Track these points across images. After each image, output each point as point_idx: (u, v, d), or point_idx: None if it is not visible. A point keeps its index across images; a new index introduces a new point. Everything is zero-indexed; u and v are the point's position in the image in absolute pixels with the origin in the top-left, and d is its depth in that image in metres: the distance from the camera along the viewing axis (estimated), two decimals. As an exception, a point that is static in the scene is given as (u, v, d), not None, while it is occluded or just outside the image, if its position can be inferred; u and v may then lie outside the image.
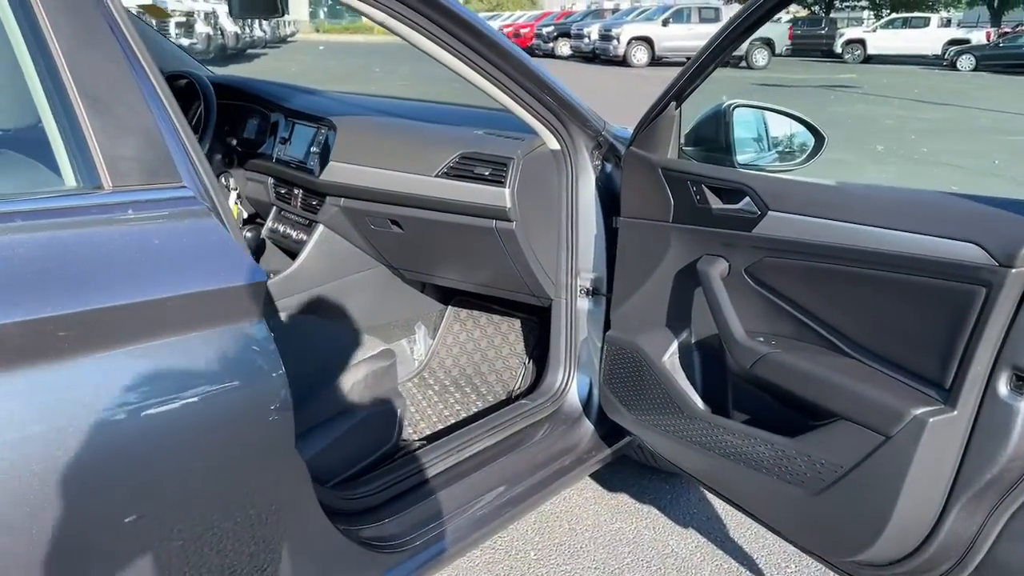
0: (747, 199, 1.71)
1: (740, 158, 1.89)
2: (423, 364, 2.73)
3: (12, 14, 1.17)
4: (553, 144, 2.09)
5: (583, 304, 2.22)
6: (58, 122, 1.19)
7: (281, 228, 2.56)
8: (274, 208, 2.61)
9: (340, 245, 2.45)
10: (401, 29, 1.72)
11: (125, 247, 1.17)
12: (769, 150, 1.98)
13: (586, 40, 23.68)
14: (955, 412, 1.36)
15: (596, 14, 29.22)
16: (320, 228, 2.42)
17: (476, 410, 2.52)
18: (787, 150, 1.97)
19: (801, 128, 1.92)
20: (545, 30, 27.67)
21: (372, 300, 2.59)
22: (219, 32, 18.85)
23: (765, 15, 1.62)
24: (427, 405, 2.54)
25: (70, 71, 1.17)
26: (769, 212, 1.66)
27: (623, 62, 21.67)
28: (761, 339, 1.72)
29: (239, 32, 20.30)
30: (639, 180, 1.98)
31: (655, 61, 21.81)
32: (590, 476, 2.51)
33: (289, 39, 34.12)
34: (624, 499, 2.51)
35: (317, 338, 2.07)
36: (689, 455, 1.88)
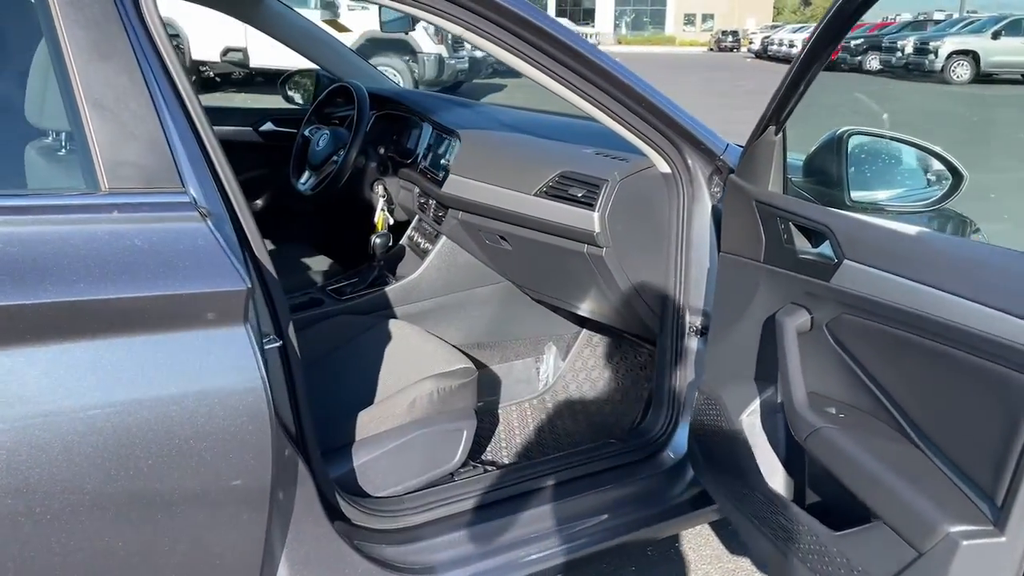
0: (827, 242, 1.45)
1: (855, 195, 1.61)
2: (548, 386, 2.65)
3: (35, 28, 1.30)
4: (663, 167, 1.92)
5: (692, 344, 2.02)
6: (66, 127, 1.30)
7: (415, 236, 2.61)
8: (416, 216, 2.68)
9: (462, 258, 2.45)
10: (481, 43, 1.68)
11: (104, 245, 1.24)
12: (893, 187, 1.66)
13: (898, 54, 21.71)
14: (1003, 538, 1.04)
15: (917, 25, 26.71)
16: (442, 240, 2.44)
17: (579, 442, 2.40)
18: (917, 188, 1.64)
19: (935, 162, 1.59)
20: (854, 42, 25.80)
21: (496, 316, 2.56)
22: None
23: (855, 14, 1.37)
24: (532, 431, 2.46)
25: (80, 80, 1.27)
26: (845, 261, 1.39)
27: (940, 78, 19.57)
28: (833, 409, 1.46)
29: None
30: (736, 213, 1.76)
31: (981, 78, 19.43)
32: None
33: (590, 51, 35.03)
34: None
35: (410, 351, 2.08)
36: (747, 529, 1.64)
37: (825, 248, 1.46)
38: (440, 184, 2.32)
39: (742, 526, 1.69)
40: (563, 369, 2.66)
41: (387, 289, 2.40)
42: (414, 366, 1.99)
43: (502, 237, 2.24)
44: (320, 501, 1.57)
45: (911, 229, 1.33)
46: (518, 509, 1.87)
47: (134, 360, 1.24)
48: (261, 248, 1.48)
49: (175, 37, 12.19)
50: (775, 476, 1.61)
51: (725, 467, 1.78)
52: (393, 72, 12.12)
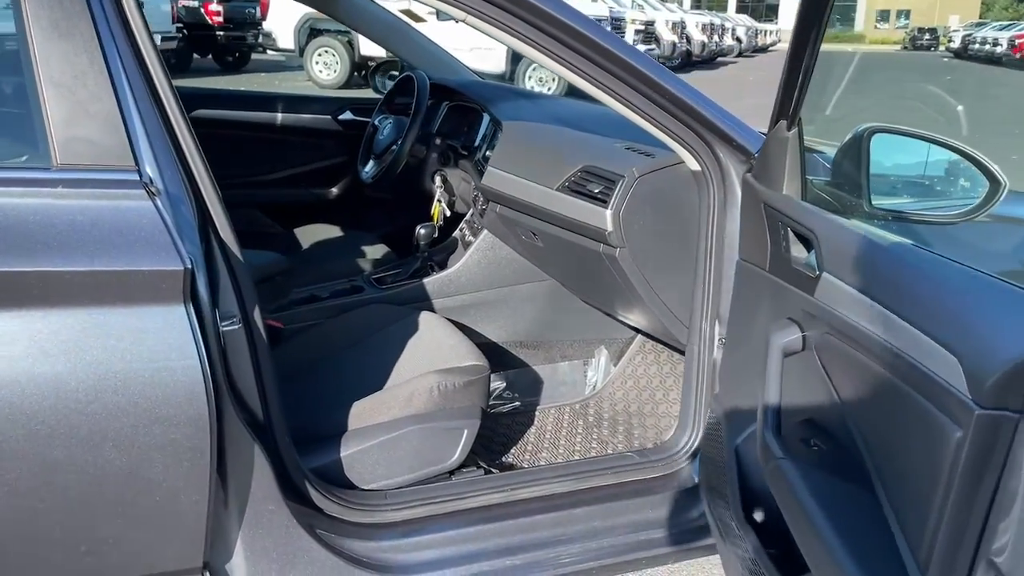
0: (814, 251, 1.28)
1: (876, 201, 1.41)
2: (595, 392, 2.53)
3: (2, 8, 1.36)
4: (692, 164, 1.78)
5: (721, 357, 1.85)
6: (25, 104, 1.34)
7: (465, 229, 2.56)
8: (470, 209, 2.63)
9: (503, 253, 2.37)
10: (492, 31, 1.61)
11: (44, 219, 1.28)
12: (921, 194, 1.44)
13: None
14: None
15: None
16: (483, 233, 2.38)
17: (609, 454, 2.27)
18: (948, 195, 1.41)
19: (970, 166, 1.35)
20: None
21: (542, 314, 2.46)
22: (685, 39, 19.33)
23: None
24: (564, 436, 2.34)
25: (39, 57, 1.31)
26: (823, 274, 1.22)
27: None
28: (813, 440, 1.29)
29: (705, 41, 20.61)
30: (749, 216, 1.60)
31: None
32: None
33: (770, 48, 33.69)
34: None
35: (428, 345, 2.04)
36: (727, 564, 1.48)
37: (812, 257, 1.29)
38: (482, 176, 2.26)
39: (724, 561, 1.53)
40: (613, 375, 2.53)
41: (427, 281, 2.37)
42: (425, 360, 1.95)
43: (533, 233, 2.15)
44: (281, 487, 1.56)
45: (891, 237, 1.13)
46: (510, 515, 1.79)
47: (67, 333, 1.27)
48: (227, 231, 1.47)
49: (347, 33, 12.71)
50: (751, 510, 1.44)
51: (718, 494, 1.62)
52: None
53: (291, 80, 13.60)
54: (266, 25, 13.90)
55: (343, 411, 1.83)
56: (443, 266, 2.56)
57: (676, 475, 1.91)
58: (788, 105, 1.40)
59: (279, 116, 3.01)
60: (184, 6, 14.02)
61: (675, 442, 1.95)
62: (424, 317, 2.15)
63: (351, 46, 12.45)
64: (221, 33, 14.49)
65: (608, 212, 1.80)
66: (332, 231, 2.90)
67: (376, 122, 2.83)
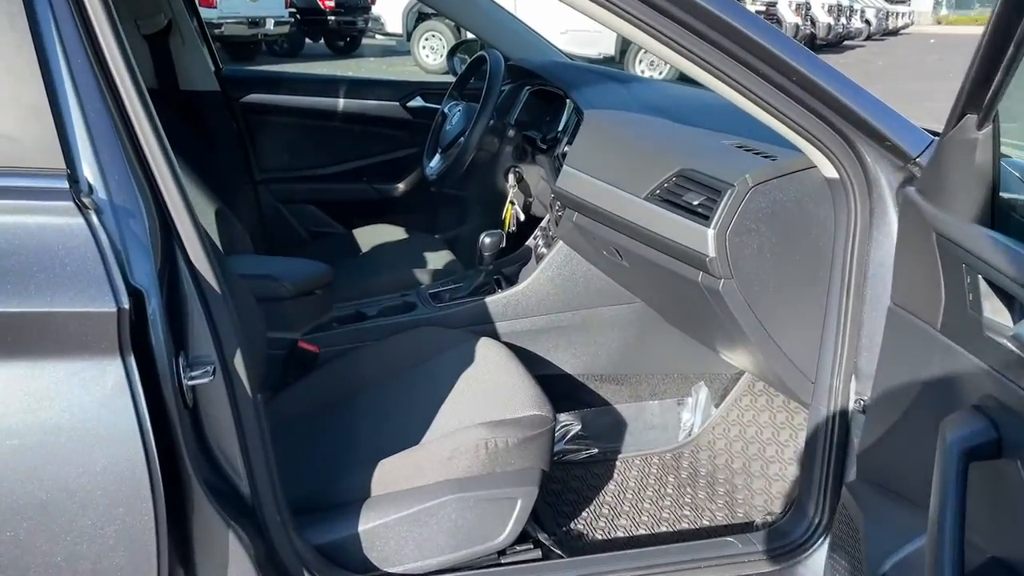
0: None
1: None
2: (690, 438, 2.09)
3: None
4: (828, 170, 1.33)
5: (858, 424, 1.40)
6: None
7: (539, 238, 2.16)
8: (547, 214, 2.23)
9: (582, 269, 1.96)
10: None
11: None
12: None
13: None
14: None
15: None
16: (558, 245, 1.97)
17: (703, 527, 1.83)
18: None
19: None
20: None
21: (629, 343, 2.04)
22: (809, 22, 18.23)
23: None
24: (650, 497, 1.92)
25: None
26: None
27: None
28: None
29: (832, 23, 19.39)
30: (911, 246, 1.15)
31: None
32: None
33: (901, 31, 31.67)
34: None
35: (481, 384, 1.66)
36: None
37: (1022, 327, 0.83)
38: (557, 177, 1.86)
39: None
40: (713, 418, 2.08)
41: (490, 300, 1.98)
42: (476, 404, 1.57)
43: (616, 250, 1.73)
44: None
45: None
46: None
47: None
48: (202, 252, 1.13)
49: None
50: None
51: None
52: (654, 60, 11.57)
53: (399, 65, 13.48)
54: (375, 9, 13.85)
55: (366, 470, 1.47)
56: (512, 281, 2.17)
57: (789, 570, 1.47)
58: (980, 94, 0.94)
59: (340, 102, 2.68)
60: (298, -9, 14.11)
61: (791, 527, 1.51)
62: (482, 346, 1.77)
63: (458, 30, 12.19)
64: (332, 18, 14.56)
65: (710, 232, 1.36)
66: (394, 233, 2.55)
67: (445, 110, 2.46)
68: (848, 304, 1.35)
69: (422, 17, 12.90)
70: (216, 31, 11.93)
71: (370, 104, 2.69)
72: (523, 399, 1.56)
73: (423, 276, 2.23)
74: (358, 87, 2.71)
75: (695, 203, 1.41)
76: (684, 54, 1.23)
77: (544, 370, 2.04)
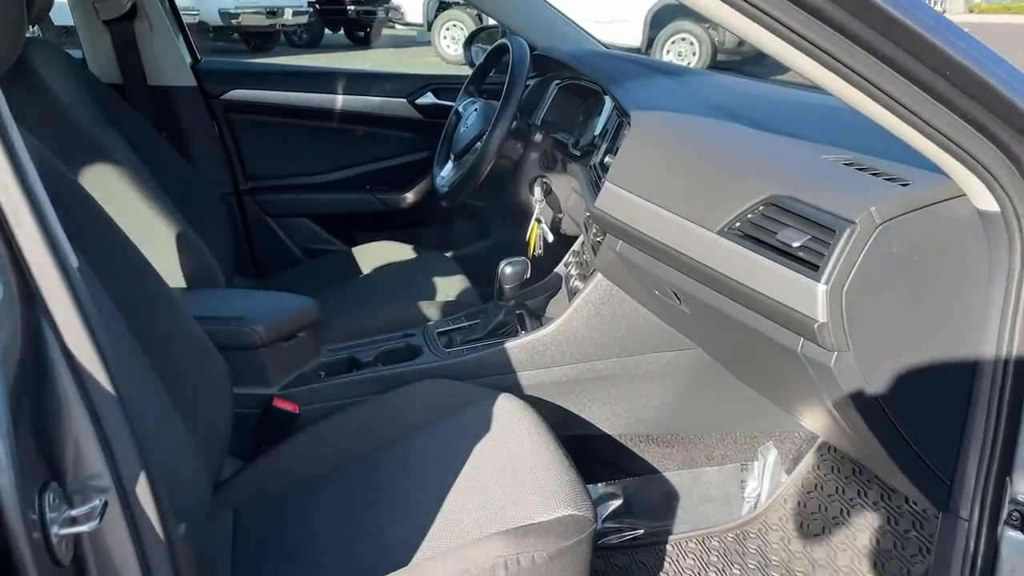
0: None
1: None
2: (756, 513, 1.70)
3: None
4: (983, 200, 0.94)
5: (1011, 543, 1.02)
6: None
7: (571, 266, 1.78)
8: (579, 238, 1.85)
9: (625, 308, 1.58)
10: None
11: None
12: None
13: None
14: None
15: None
16: (596, 279, 1.59)
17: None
18: None
19: None
20: None
21: (681, 396, 1.66)
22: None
23: None
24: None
25: None
26: None
27: None
28: None
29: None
30: None
31: None
32: None
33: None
34: None
35: (500, 468, 1.29)
36: None
37: None
38: (596, 193, 1.48)
39: None
40: (785, 488, 1.70)
41: (511, 345, 1.61)
42: (493, 498, 1.19)
43: (675, 293, 1.35)
44: None
45: None
46: None
47: None
48: (77, 319, 0.76)
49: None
50: None
51: None
52: (691, 40, 11.13)
53: (419, 56, 13.20)
54: None
55: None
56: (538, 317, 1.80)
57: None
58: None
59: (339, 99, 2.30)
60: (318, -21, 13.93)
61: None
62: (502, 408, 1.40)
63: (480, 19, 11.83)
64: (352, 8, 14.40)
65: (821, 288, 0.98)
66: (401, 251, 2.18)
67: (460, 108, 2.08)
68: (1007, 383, 0.96)
69: (443, 6, 12.65)
70: (233, 21, 11.74)
71: (374, 101, 2.32)
72: (555, 490, 1.19)
73: (431, 310, 1.85)
74: (360, 82, 2.33)
75: (795, 244, 1.03)
76: (797, 42, 0.85)
77: (577, 430, 1.66)
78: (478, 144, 1.89)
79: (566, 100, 2.07)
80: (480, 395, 1.46)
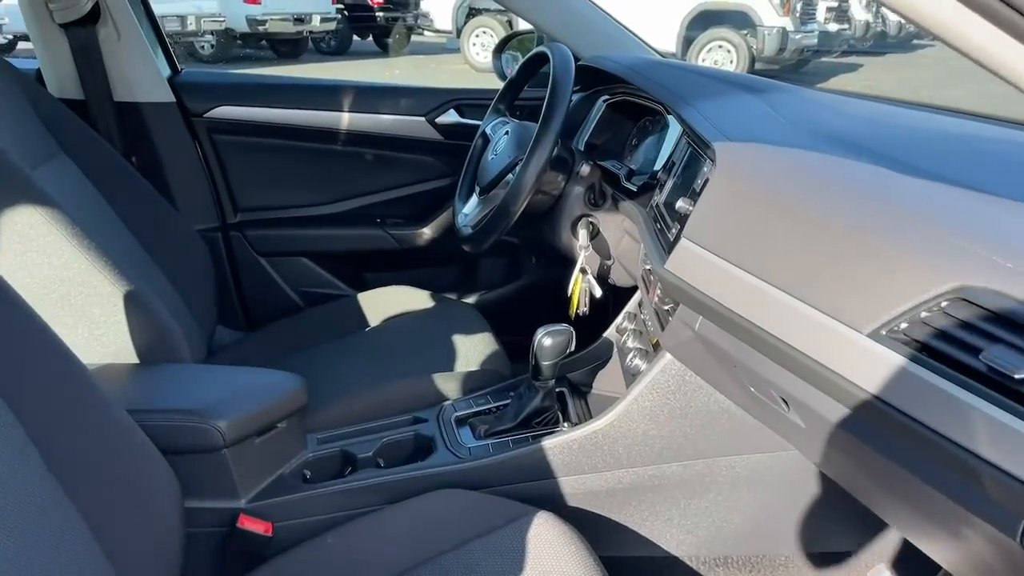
0: None
1: None
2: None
3: None
4: None
5: None
6: None
7: (627, 334, 1.41)
8: (636, 294, 1.48)
9: (701, 399, 1.20)
10: None
11: None
12: None
13: None
14: None
15: None
16: (664, 360, 1.21)
17: None
18: None
19: None
20: None
21: (767, 507, 1.28)
22: (880, 19, 17.10)
23: None
24: None
25: None
26: None
27: None
28: None
29: (903, 21, 18.16)
30: None
31: None
32: None
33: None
34: None
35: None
36: None
37: None
38: (667, 252, 1.10)
39: None
40: (902, 625, 1.31)
41: (550, 443, 1.23)
42: None
43: (784, 400, 0.97)
44: None
45: None
46: None
47: None
48: None
49: (506, 12, 11.91)
50: None
51: None
52: (728, 48, 10.73)
53: (447, 63, 12.98)
54: (424, 5, 13.45)
55: None
56: (584, 395, 1.43)
57: None
58: None
59: (345, 117, 1.94)
60: (346, -13, 13.89)
61: None
62: (539, 534, 1.04)
63: (510, 26, 11.55)
64: (381, 14, 14.34)
65: None
66: (415, 298, 1.81)
67: (488, 129, 1.72)
68: None
69: (473, 13, 12.49)
70: (260, 28, 11.65)
71: (386, 120, 1.95)
72: None
73: (449, 384, 1.48)
74: (370, 96, 1.97)
75: (1018, 376, 0.64)
76: None
77: (636, 550, 1.29)
78: (510, 176, 1.52)
79: (616, 120, 1.70)
80: (510, 514, 1.10)
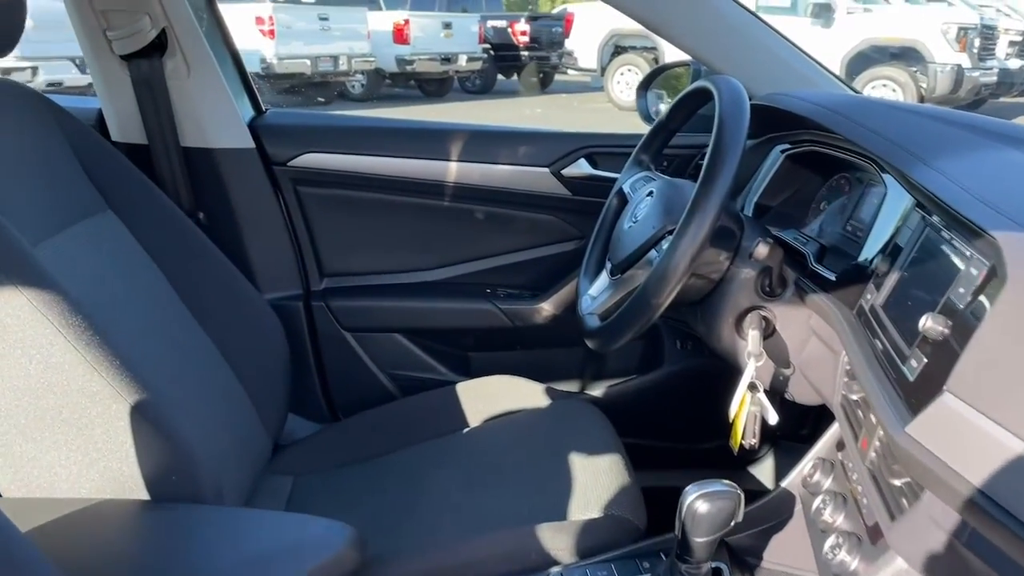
0: None
1: None
2: None
3: None
4: None
5: None
6: None
7: (828, 495, 0.97)
8: (830, 429, 1.04)
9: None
10: None
11: None
12: None
13: None
14: None
15: None
16: (894, 566, 0.77)
17: None
18: None
19: None
20: None
21: None
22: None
23: None
24: None
25: None
26: None
27: None
28: None
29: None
30: None
31: None
32: None
33: None
34: None
35: None
36: None
37: None
38: (905, 401, 0.68)
39: None
40: None
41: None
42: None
43: None
44: None
45: None
46: None
47: None
48: None
49: (652, 50, 11.71)
50: None
51: None
52: (893, 87, 9.92)
53: (590, 102, 12.87)
54: (568, 44, 13.48)
55: None
56: (750, 571, 1.00)
57: None
58: None
59: (452, 167, 1.60)
60: (492, 27, 14.09)
61: None
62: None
63: (656, 63, 11.24)
64: (525, 53, 14.53)
65: None
66: (527, 392, 1.44)
67: (626, 187, 1.33)
68: None
69: (618, 51, 12.48)
70: (408, 68, 11.97)
71: (501, 171, 1.60)
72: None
73: (558, 539, 1.08)
74: (484, 142, 1.61)
75: None
76: None
77: None
78: (653, 253, 1.13)
79: (798, 176, 1.28)
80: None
